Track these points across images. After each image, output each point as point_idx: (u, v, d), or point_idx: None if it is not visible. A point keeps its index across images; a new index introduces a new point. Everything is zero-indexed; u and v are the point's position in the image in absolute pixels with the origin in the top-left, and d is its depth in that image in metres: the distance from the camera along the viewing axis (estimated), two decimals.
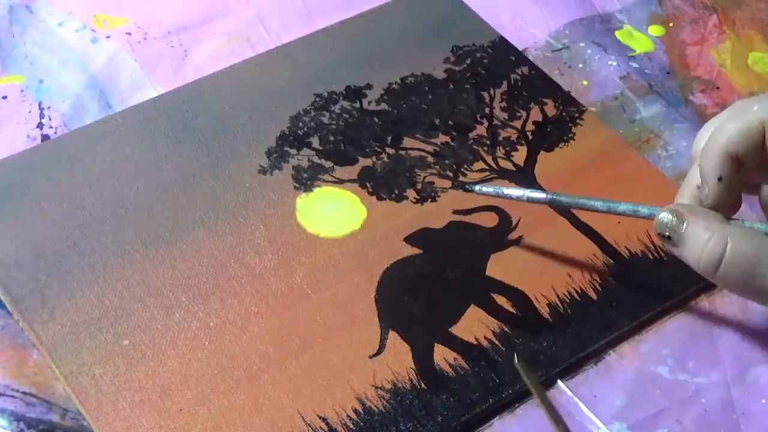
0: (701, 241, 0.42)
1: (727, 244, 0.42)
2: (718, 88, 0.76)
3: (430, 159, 0.68)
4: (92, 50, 0.73)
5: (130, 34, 0.75)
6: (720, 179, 0.43)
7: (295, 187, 0.65)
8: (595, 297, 0.61)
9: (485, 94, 0.72)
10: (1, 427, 0.54)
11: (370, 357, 0.58)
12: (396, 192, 0.66)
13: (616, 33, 0.79)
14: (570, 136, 0.70)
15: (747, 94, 0.75)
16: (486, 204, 0.65)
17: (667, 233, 0.44)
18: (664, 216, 0.45)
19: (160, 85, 0.71)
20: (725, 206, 0.43)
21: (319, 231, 0.63)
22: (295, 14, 0.78)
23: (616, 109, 0.73)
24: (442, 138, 0.69)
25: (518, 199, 0.59)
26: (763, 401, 0.59)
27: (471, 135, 0.69)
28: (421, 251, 0.63)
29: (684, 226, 0.43)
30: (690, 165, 0.70)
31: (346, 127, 0.69)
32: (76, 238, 0.61)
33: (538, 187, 0.67)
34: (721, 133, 0.43)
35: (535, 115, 0.71)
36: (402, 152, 0.68)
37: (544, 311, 0.60)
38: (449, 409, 0.56)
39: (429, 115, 0.70)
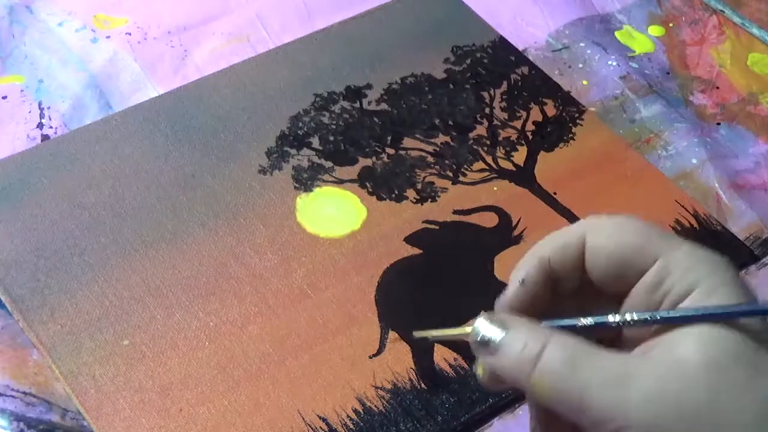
0: (519, 346, 0.40)
1: (545, 347, 0.40)
2: (717, 87, 0.76)
3: (430, 159, 0.68)
4: (92, 50, 0.73)
5: (130, 34, 0.75)
6: (522, 282, 0.42)
7: (295, 187, 0.65)
8: None
9: (485, 94, 0.72)
10: (1, 427, 0.54)
11: (370, 357, 0.58)
12: (396, 192, 0.66)
13: (616, 33, 0.79)
14: (570, 136, 0.70)
15: (746, 94, 0.75)
16: (486, 204, 0.65)
17: (486, 338, 0.41)
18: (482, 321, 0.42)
19: (160, 85, 0.71)
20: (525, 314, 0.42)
21: (319, 231, 0.63)
22: (295, 14, 0.78)
23: (616, 109, 0.73)
24: (442, 138, 0.69)
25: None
26: None
27: (471, 135, 0.69)
28: (421, 251, 0.63)
29: (503, 331, 0.41)
30: (689, 164, 0.70)
31: (346, 127, 0.69)
32: (76, 238, 0.61)
33: (539, 187, 0.67)
34: (544, 240, 0.42)
35: (535, 115, 0.71)
36: (402, 152, 0.68)
37: None
38: (449, 409, 0.56)
39: (429, 115, 0.70)
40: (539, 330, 0.40)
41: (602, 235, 0.40)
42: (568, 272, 0.41)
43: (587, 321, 0.40)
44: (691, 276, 0.38)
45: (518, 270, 0.42)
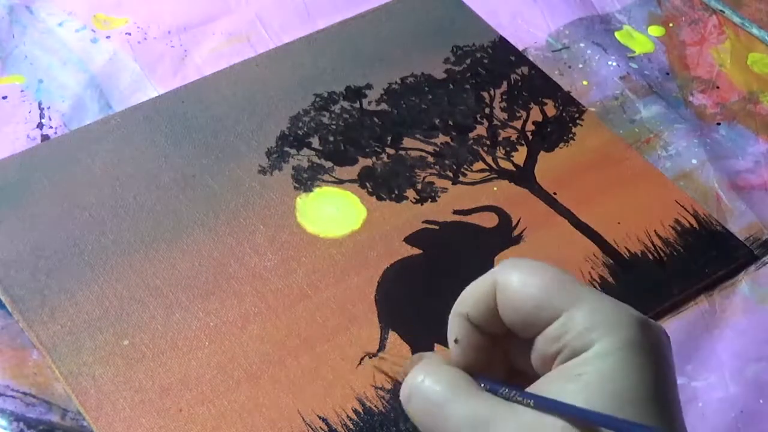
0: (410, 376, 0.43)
1: (424, 379, 0.42)
2: (717, 87, 0.76)
3: (430, 159, 0.68)
4: (92, 50, 0.73)
5: (130, 34, 0.75)
6: (456, 341, 0.43)
7: (295, 187, 0.65)
8: None
9: (485, 94, 0.72)
10: (1, 427, 0.54)
11: (370, 357, 0.58)
12: (396, 192, 0.66)
13: (616, 33, 0.79)
14: (570, 136, 0.70)
15: (746, 94, 0.75)
16: (486, 204, 0.65)
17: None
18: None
19: (160, 85, 0.71)
20: (472, 368, 0.43)
21: (319, 231, 0.63)
22: (295, 14, 0.78)
23: (615, 109, 0.73)
24: (442, 138, 0.69)
25: None
26: (761, 401, 0.59)
27: (471, 135, 0.69)
28: (421, 251, 0.63)
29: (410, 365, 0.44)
30: (689, 165, 0.70)
31: (346, 127, 0.69)
32: (76, 238, 0.61)
33: (539, 187, 0.67)
34: (462, 294, 0.44)
35: (535, 115, 0.71)
36: (402, 152, 0.68)
37: None
38: None
39: (429, 115, 0.70)
40: (430, 363, 0.42)
41: (509, 289, 0.41)
42: (489, 323, 0.42)
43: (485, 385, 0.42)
44: (587, 337, 0.39)
45: (450, 332, 0.43)
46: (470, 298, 0.43)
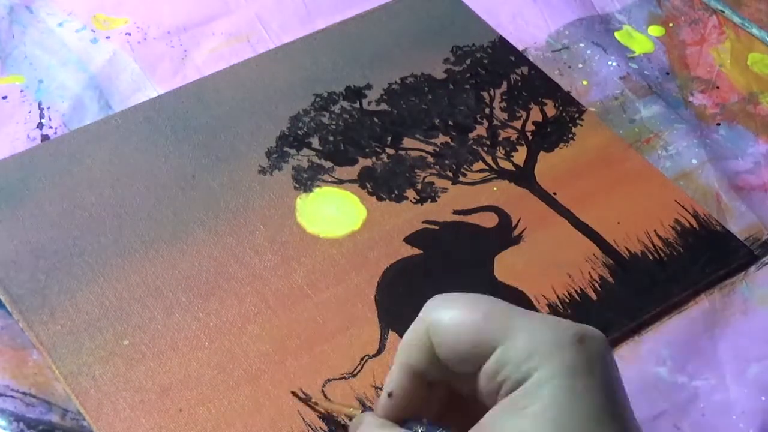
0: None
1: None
2: (717, 87, 0.76)
3: (430, 159, 0.68)
4: (92, 50, 0.73)
5: (129, 34, 0.75)
6: (390, 395, 0.42)
7: (294, 188, 0.65)
8: (594, 297, 0.61)
9: (485, 94, 0.72)
10: (1, 427, 0.54)
11: (370, 357, 0.58)
12: (396, 192, 0.66)
13: (616, 34, 0.79)
14: (570, 136, 0.70)
15: (746, 94, 0.75)
16: (486, 204, 0.65)
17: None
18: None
19: (160, 85, 0.71)
20: (406, 413, 0.42)
21: (319, 231, 0.63)
22: (295, 14, 0.78)
23: (615, 109, 0.73)
24: (442, 138, 0.69)
25: None
26: (763, 398, 0.59)
27: (471, 135, 0.69)
28: (421, 251, 0.63)
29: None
30: (689, 165, 0.70)
31: (346, 127, 0.69)
32: (76, 238, 0.61)
33: (539, 187, 0.67)
34: (400, 344, 0.43)
35: (535, 115, 0.71)
36: (402, 152, 0.68)
37: (544, 311, 0.60)
38: None
39: (429, 115, 0.70)
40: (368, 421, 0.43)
41: (441, 329, 0.41)
42: (432, 368, 0.42)
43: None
44: (525, 366, 0.39)
45: (387, 383, 0.43)
46: (409, 346, 0.42)
